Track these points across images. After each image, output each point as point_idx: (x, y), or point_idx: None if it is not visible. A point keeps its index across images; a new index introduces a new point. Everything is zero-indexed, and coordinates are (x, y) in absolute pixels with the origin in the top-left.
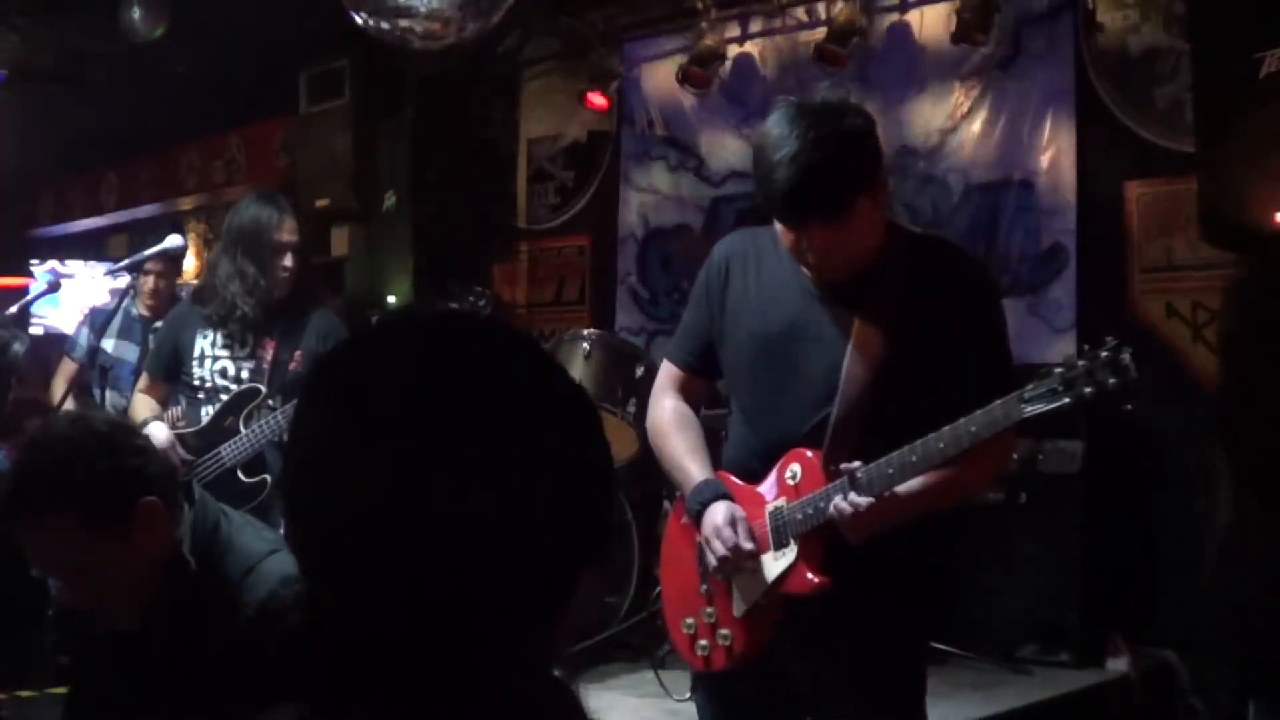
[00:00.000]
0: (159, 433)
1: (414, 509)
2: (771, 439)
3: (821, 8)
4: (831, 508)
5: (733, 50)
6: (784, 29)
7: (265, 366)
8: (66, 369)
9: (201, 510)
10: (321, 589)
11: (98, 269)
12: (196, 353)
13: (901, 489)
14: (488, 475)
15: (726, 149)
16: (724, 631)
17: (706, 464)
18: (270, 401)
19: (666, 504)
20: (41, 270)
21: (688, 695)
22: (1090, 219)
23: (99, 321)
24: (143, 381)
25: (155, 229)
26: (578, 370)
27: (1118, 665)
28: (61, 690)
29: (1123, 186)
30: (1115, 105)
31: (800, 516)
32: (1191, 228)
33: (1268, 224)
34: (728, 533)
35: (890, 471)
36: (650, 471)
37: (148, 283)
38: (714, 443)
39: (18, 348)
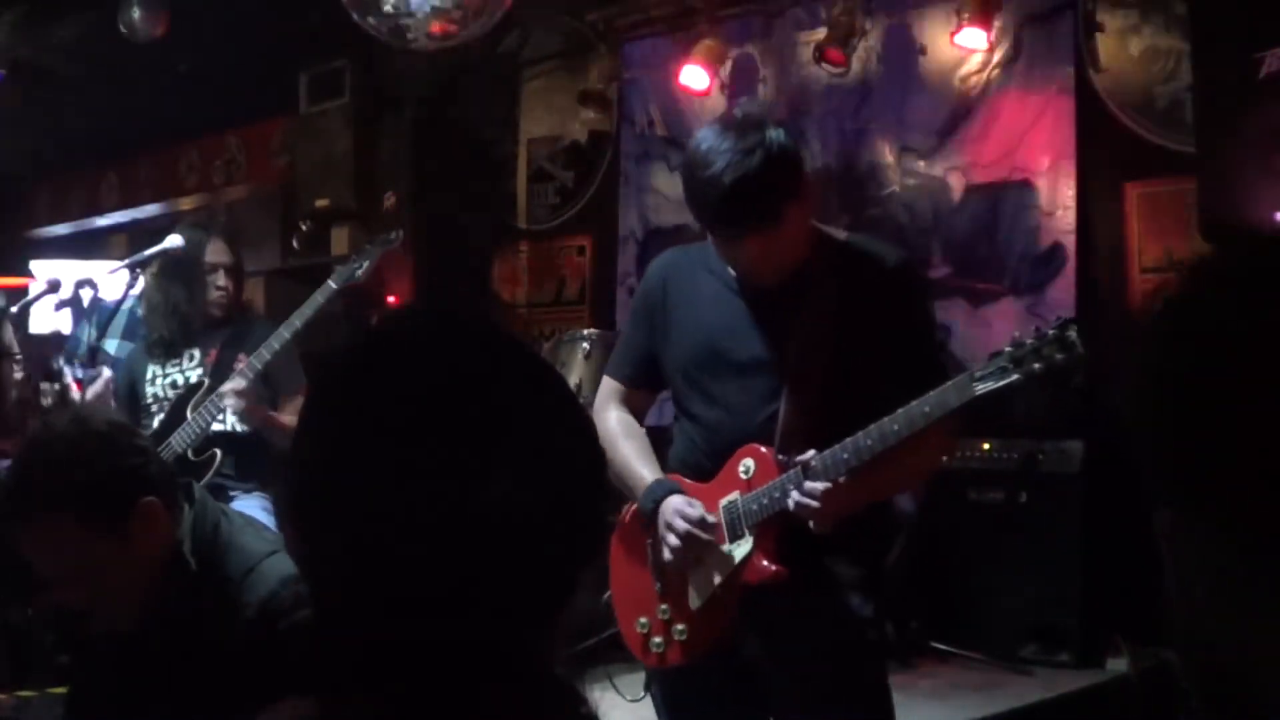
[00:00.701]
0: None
1: (417, 512)
2: (721, 438)
3: (821, 8)
4: (791, 503)
5: (733, 51)
6: (784, 29)
7: (210, 368)
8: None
9: (202, 510)
10: (325, 590)
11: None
12: (149, 377)
13: (854, 475)
14: (489, 479)
15: None
16: (679, 626)
17: (655, 466)
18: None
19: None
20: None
21: (641, 695)
22: (1090, 219)
23: (100, 321)
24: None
25: (155, 229)
26: (578, 370)
27: (1118, 665)
28: (61, 690)
29: (1123, 186)
30: (1115, 105)
31: (755, 507)
32: (1191, 228)
33: (1268, 224)
34: (690, 510)
35: (846, 456)
36: None
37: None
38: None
39: (7, 323)
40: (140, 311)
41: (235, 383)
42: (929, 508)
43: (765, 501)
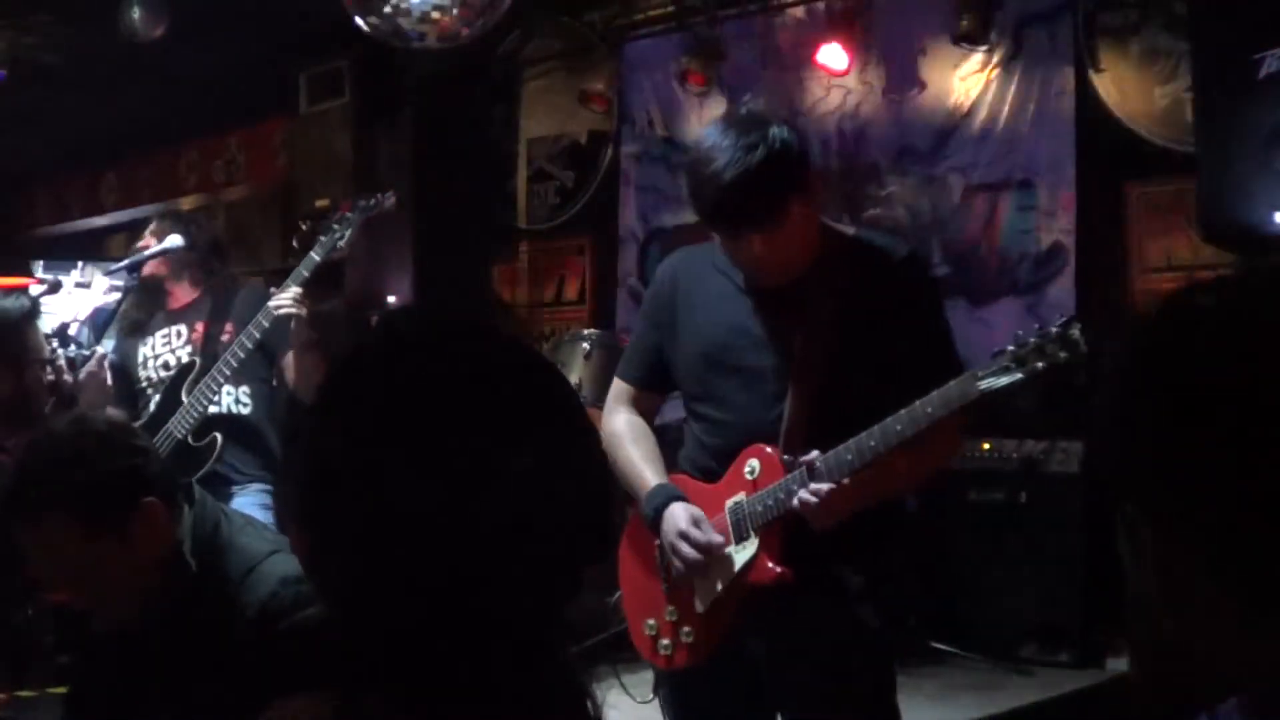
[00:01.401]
0: None
1: (423, 511)
2: (727, 439)
3: (821, 7)
4: (795, 500)
5: (733, 50)
6: (784, 28)
7: (199, 344)
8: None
9: (202, 510)
10: (334, 589)
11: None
12: (139, 360)
13: (858, 475)
14: (494, 478)
15: None
16: (686, 629)
17: (660, 470)
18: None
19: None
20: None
21: (650, 697)
22: (1090, 219)
23: (100, 322)
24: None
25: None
26: (578, 370)
27: (1118, 665)
28: (61, 690)
29: (1123, 186)
30: (1115, 105)
31: (760, 508)
32: (1191, 228)
33: (1268, 224)
34: (695, 533)
35: (850, 457)
36: None
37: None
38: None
39: (15, 312)
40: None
41: (287, 301)
42: (929, 508)
43: (770, 503)
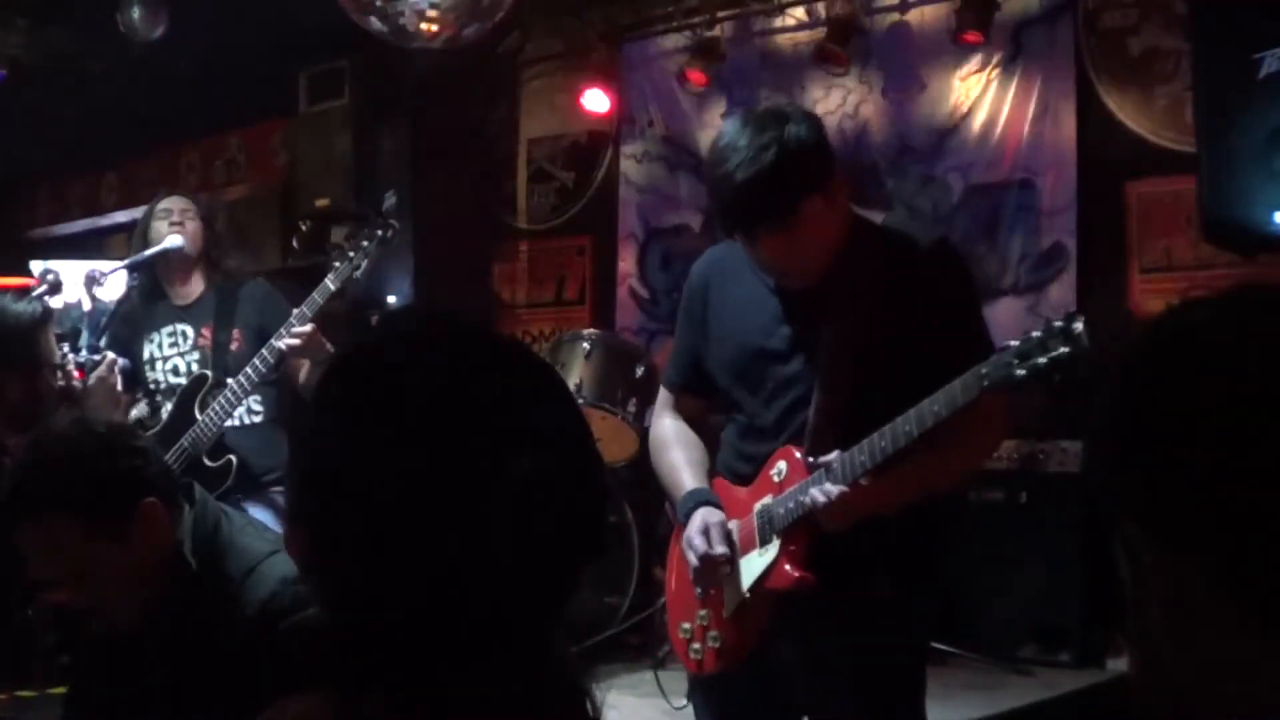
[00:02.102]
0: None
1: (421, 511)
2: (757, 442)
3: (821, 8)
4: (806, 498)
5: (733, 50)
6: (784, 29)
7: (209, 353)
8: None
9: (202, 511)
10: (332, 590)
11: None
12: (146, 357)
13: (880, 475)
14: (492, 478)
15: None
16: (714, 633)
17: (699, 475)
18: (221, 384)
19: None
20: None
21: (684, 703)
22: (1090, 219)
23: (98, 322)
24: None
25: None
26: (578, 370)
27: (1118, 665)
28: (61, 690)
29: (1123, 186)
30: (1115, 105)
31: (783, 511)
32: (1191, 228)
33: (1267, 224)
34: (698, 541)
35: (863, 458)
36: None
37: None
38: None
39: (28, 317)
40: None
41: (294, 340)
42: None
43: (791, 505)
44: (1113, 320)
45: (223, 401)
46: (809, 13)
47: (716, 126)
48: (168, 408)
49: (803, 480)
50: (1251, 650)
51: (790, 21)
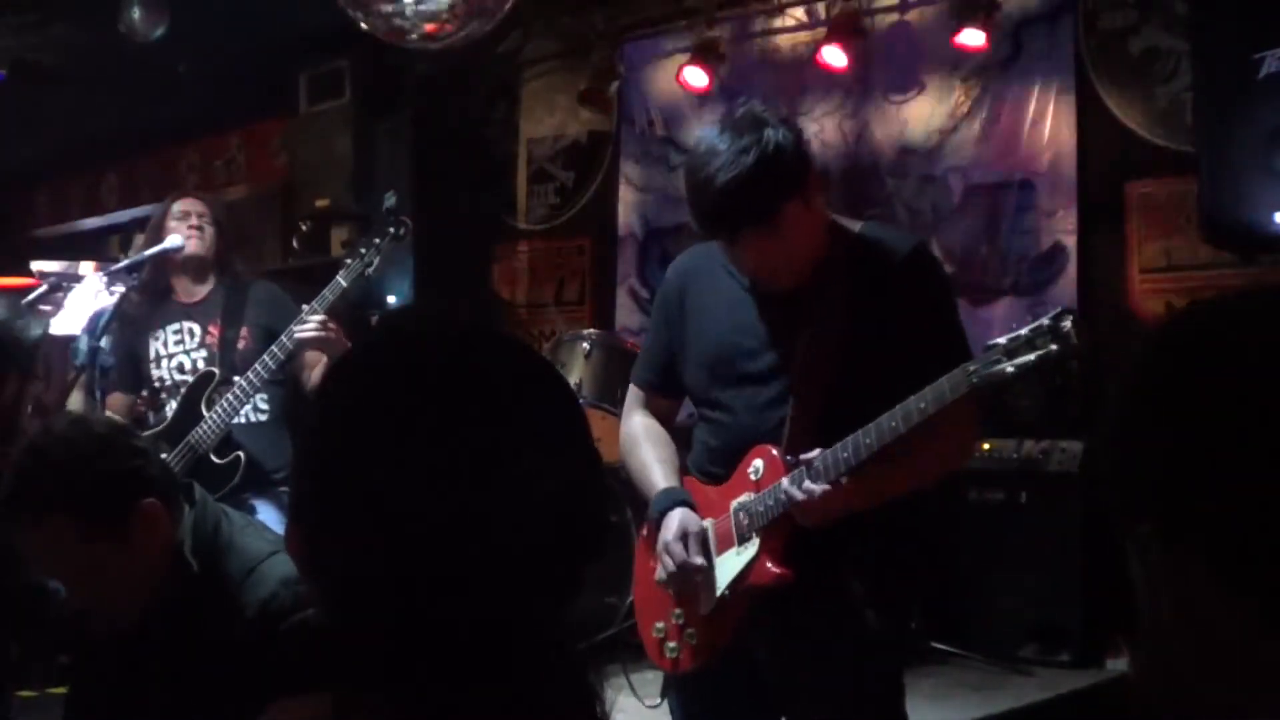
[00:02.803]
0: None
1: (422, 511)
2: (731, 442)
3: (821, 8)
4: (782, 493)
5: (733, 50)
6: (784, 29)
7: (216, 351)
8: (72, 378)
9: (202, 511)
10: (332, 589)
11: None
12: (151, 355)
13: (859, 474)
14: (492, 478)
15: None
16: (690, 631)
17: (671, 473)
18: (228, 382)
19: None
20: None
21: (659, 701)
22: (1090, 219)
23: (98, 323)
24: (109, 399)
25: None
26: (578, 370)
27: (1118, 665)
28: (61, 690)
29: (1123, 186)
30: (1115, 105)
31: (762, 509)
32: (1191, 228)
33: (1268, 224)
34: (677, 548)
35: (846, 455)
36: None
37: None
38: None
39: (37, 332)
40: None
41: (311, 329)
42: (932, 507)
43: (770, 503)
44: (1113, 320)
45: (230, 399)
46: (809, 13)
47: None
48: (172, 405)
49: (782, 478)
50: (1264, 650)
51: (790, 22)
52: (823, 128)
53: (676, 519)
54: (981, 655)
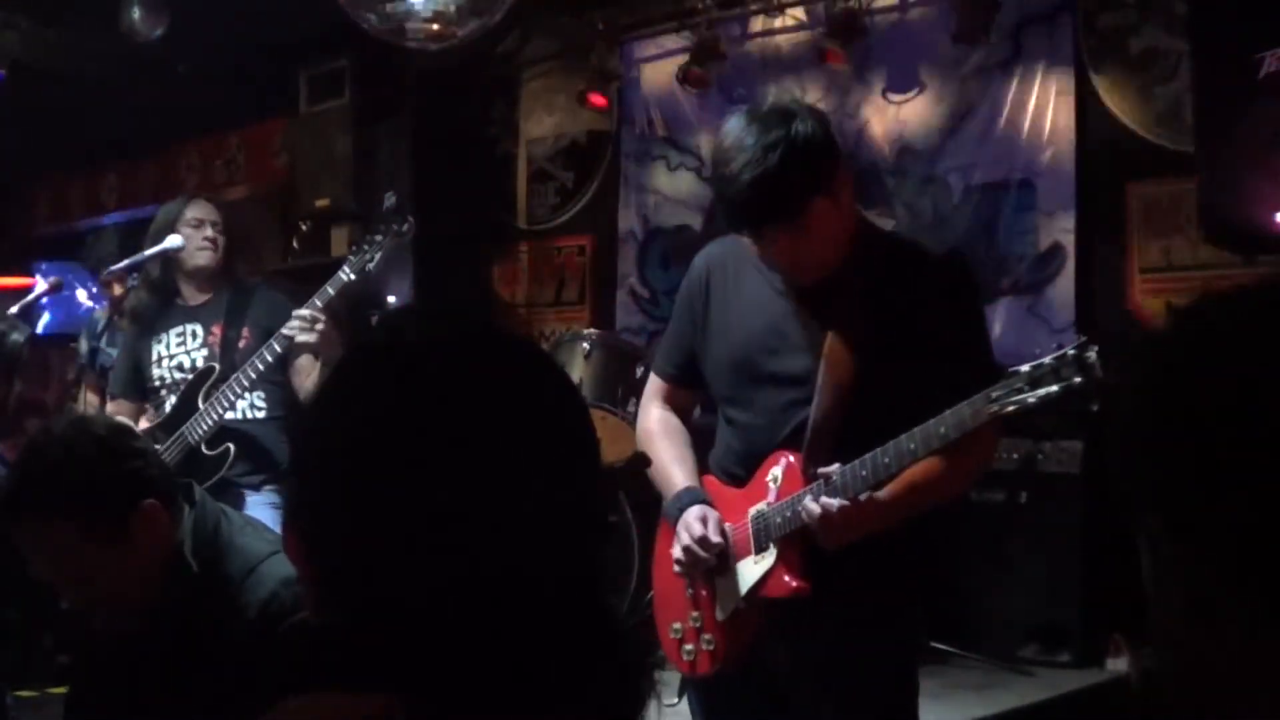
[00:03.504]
0: None
1: (422, 510)
2: (753, 444)
3: (821, 8)
4: (801, 509)
5: (733, 50)
6: (784, 29)
7: (217, 350)
8: (89, 381)
9: (202, 511)
10: (332, 590)
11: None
12: (154, 357)
13: (877, 493)
14: (493, 476)
15: None
16: (707, 636)
17: (690, 471)
18: (227, 378)
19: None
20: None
21: (675, 700)
22: (1090, 219)
23: (98, 323)
24: (110, 405)
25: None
26: (578, 370)
27: (1118, 665)
28: (61, 690)
29: (1123, 186)
30: (1115, 106)
31: (780, 520)
32: (1191, 228)
33: (1268, 224)
34: (696, 526)
35: (864, 474)
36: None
37: None
38: (708, 446)
39: (17, 337)
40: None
41: (302, 324)
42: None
43: (789, 514)
44: (1113, 320)
45: (225, 392)
46: (809, 13)
47: (717, 126)
48: (172, 400)
49: (800, 489)
50: (1272, 648)
51: (790, 21)
52: None
53: (696, 513)
54: (981, 655)
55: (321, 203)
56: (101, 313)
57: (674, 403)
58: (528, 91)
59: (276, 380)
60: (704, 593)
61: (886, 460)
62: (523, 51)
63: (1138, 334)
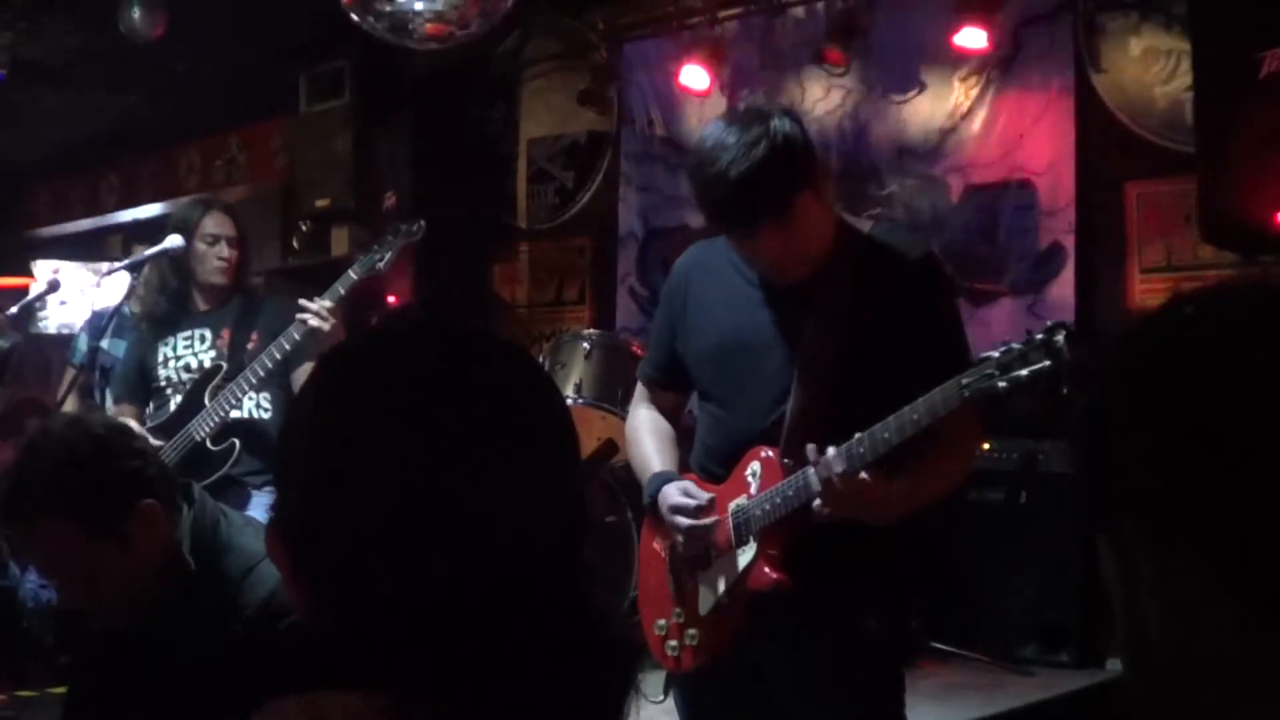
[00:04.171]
0: None
1: (409, 507)
2: (731, 440)
3: (821, 8)
4: (791, 492)
5: (733, 50)
6: (784, 29)
7: (225, 351)
8: (69, 376)
9: (201, 511)
10: (318, 589)
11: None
12: (159, 359)
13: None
14: (479, 475)
15: None
16: (691, 631)
17: (668, 461)
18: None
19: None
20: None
21: (661, 697)
22: (1090, 219)
23: (98, 323)
24: (113, 408)
25: (155, 229)
26: (578, 370)
27: (1117, 665)
28: (61, 690)
29: (1123, 186)
30: (1115, 105)
31: (759, 512)
32: (1191, 228)
33: (1268, 224)
34: (683, 501)
35: (863, 451)
36: None
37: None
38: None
39: (2, 343)
40: (130, 309)
41: (320, 320)
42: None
43: (768, 507)
44: (1113, 320)
45: (232, 389)
46: (809, 13)
47: None
48: (177, 400)
49: (780, 482)
50: (1253, 651)
51: (790, 22)
52: (823, 127)
53: (675, 486)
54: (981, 655)
55: (321, 203)
56: (95, 305)
57: (659, 405)
58: (528, 91)
59: (283, 383)
60: (687, 588)
61: (862, 450)
62: (523, 51)
63: (1112, 336)
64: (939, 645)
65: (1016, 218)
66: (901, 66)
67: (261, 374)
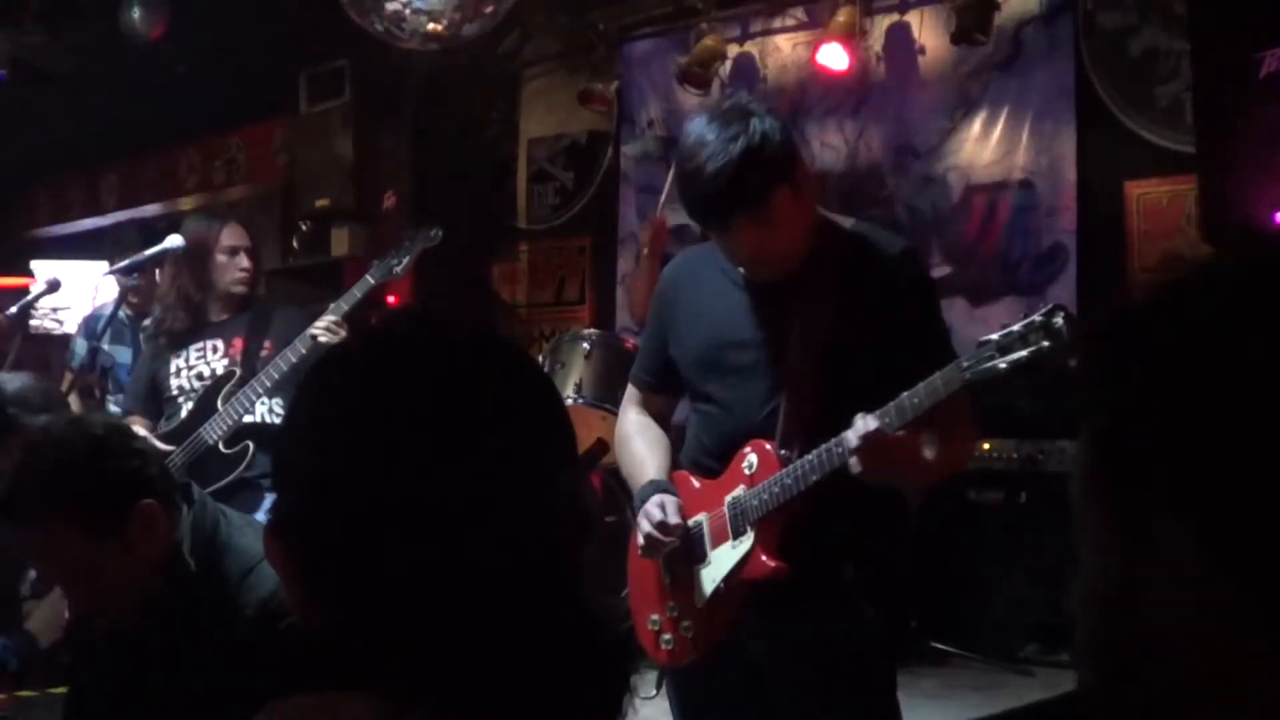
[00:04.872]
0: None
1: (405, 506)
2: (725, 435)
3: (821, 8)
4: (857, 429)
5: (733, 50)
6: (784, 29)
7: (239, 359)
8: (68, 379)
9: (200, 511)
10: (318, 592)
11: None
12: (171, 370)
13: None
14: (477, 473)
15: None
16: (686, 624)
17: (660, 467)
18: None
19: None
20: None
21: (654, 693)
22: (1090, 219)
23: (94, 326)
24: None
25: (155, 229)
26: (578, 370)
27: None
28: (61, 690)
29: (1123, 186)
30: (1115, 105)
31: (756, 503)
32: (1191, 228)
33: (1268, 224)
34: (655, 512)
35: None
36: None
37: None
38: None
39: None
40: (125, 314)
41: (329, 335)
42: (929, 508)
43: (765, 497)
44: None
45: (246, 393)
46: (809, 13)
47: None
48: (188, 406)
49: (777, 473)
50: (1253, 625)
51: (790, 22)
52: (823, 127)
53: (656, 497)
54: (981, 655)
55: (321, 203)
56: (94, 305)
57: (650, 408)
58: (528, 91)
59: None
60: (682, 582)
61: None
62: (523, 51)
63: (1115, 312)
64: (939, 645)
65: (1016, 218)
66: (901, 66)
67: (276, 377)
